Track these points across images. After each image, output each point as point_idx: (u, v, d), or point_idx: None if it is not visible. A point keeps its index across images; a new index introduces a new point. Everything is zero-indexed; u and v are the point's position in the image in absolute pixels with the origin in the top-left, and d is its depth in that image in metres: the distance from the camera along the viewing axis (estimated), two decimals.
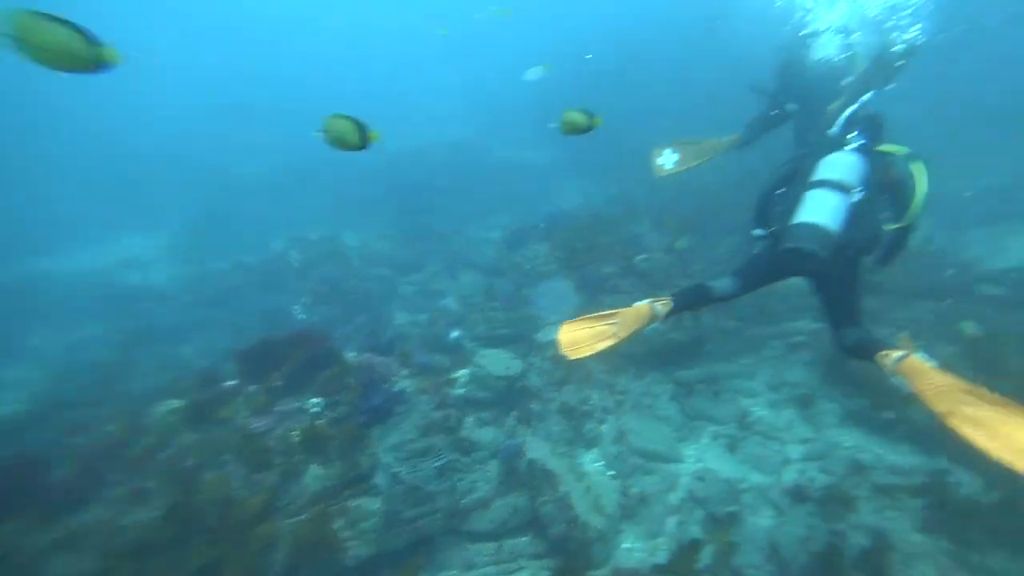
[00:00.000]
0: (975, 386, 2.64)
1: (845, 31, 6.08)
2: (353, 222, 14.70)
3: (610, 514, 5.16)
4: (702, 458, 5.88)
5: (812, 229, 3.13)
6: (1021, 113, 11.74)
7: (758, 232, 3.84)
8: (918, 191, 3.30)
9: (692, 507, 5.31)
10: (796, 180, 3.53)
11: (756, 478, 5.45)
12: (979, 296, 6.75)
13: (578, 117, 3.92)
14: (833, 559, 4.15)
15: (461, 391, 6.50)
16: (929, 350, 3.01)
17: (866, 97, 4.05)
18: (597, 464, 5.95)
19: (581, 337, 3.79)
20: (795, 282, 4.04)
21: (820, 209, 3.18)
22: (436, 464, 5.26)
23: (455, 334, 7.78)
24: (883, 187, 3.39)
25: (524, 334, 7.68)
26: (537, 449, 5.72)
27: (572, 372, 7.02)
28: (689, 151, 6.74)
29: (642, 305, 3.70)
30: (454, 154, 17.00)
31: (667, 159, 6.73)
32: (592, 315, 3.93)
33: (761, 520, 5.00)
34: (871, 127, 3.64)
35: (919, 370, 2.81)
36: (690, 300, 3.79)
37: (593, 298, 7.89)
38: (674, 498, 5.48)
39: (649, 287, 7.60)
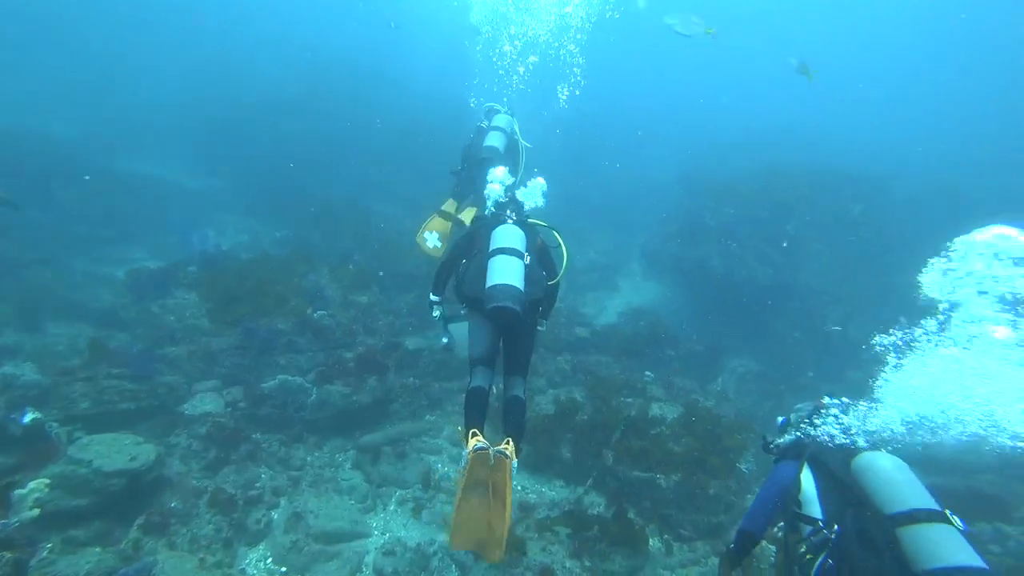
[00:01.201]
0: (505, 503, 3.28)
1: (506, 131, 7.29)
2: None
3: None
4: (389, 528, 5.47)
5: (507, 288, 3.47)
6: (611, 207, 16.43)
7: (434, 298, 4.12)
8: (565, 254, 4.03)
9: None
10: (475, 251, 3.85)
11: (443, 538, 5.36)
12: (579, 338, 8.78)
13: None
14: None
15: (31, 512, 4.16)
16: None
17: (509, 182, 4.81)
18: (264, 564, 4.81)
19: (477, 530, 3.31)
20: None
21: (508, 272, 3.54)
22: None
23: (30, 416, 5.10)
24: (537, 253, 3.95)
25: (163, 406, 5.81)
26: (175, 567, 4.23)
27: (233, 449, 5.64)
28: (438, 221, 6.98)
29: (484, 462, 3.27)
30: (46, 149, 12.11)
31: (432, 239, 6.84)
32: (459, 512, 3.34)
33: None
34: (517, 206, 4.28)
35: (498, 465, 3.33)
36: (481, 412, 3.63)
37: (262, 359, 6.65)
38: None
39: (327, 346, 6.91)
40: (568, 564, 4.92)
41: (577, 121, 14.69)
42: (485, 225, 3.94)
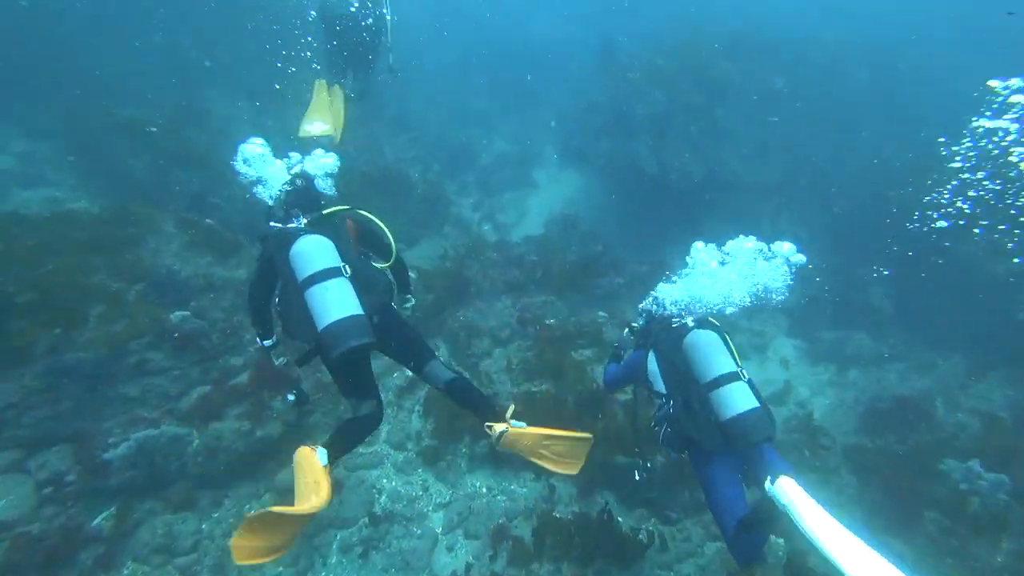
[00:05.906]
0: (549, 430, 3.29)
1: None
2: None
3: None
4: None
5: (345, 322, 2.72)
6: (516, 81, 14.08)
7: (267, 343, 3.39)
8: (386, 229, 3.32)
9: None
10: (282, 280, 3.04)
11: None
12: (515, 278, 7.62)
13: None
14: None
15: None
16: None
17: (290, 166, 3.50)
18: None
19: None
20: None
21: (336, 302, 2.78)
22: None
23: None
24: (355, 240, 3.26)
25: None
26: None
27: (64, 569, 3.93)
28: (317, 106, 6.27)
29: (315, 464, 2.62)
30: None
31: (318, 126, 6.04)
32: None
33: None
34: (306, 200, 3.30)
35: (515, 435, 3.19)
36: (345, 445, 2.94)
37: (97, 393, 4.54)
38: None
39: (202, 357, 4.92)
40: None
41: None
42: (278, 243, 3.02)
